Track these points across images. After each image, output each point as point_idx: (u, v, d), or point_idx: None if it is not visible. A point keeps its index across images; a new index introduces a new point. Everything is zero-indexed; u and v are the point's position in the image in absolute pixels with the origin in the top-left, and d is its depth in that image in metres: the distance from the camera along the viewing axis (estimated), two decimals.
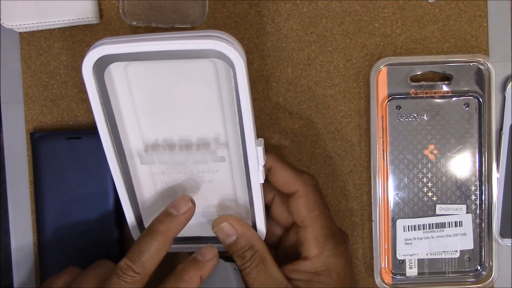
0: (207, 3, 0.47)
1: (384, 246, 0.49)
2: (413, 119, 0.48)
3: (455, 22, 0.48)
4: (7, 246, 0.50)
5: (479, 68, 0.48)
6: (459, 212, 0.49)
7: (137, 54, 0.36)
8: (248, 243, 0.41)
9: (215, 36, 0.36)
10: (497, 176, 0.48)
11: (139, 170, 0.43)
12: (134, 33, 0.49)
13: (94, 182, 0.47)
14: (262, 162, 0.40)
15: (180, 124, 0.41)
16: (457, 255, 0.49)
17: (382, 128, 0.48)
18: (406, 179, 0.48)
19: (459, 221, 0.49)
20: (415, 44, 0.49)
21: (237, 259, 0.42)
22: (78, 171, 0.47)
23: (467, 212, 0.49)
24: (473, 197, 0.49)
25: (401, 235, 0.49)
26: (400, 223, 0.49)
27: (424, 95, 0.48)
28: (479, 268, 0.49)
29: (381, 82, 0.48)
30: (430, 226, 0.48)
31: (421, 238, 0.49)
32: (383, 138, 0.48)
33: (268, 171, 0.42)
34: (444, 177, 0.48)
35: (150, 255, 0.39)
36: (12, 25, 0.46)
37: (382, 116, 0.48)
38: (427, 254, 0.49)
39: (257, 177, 0.40)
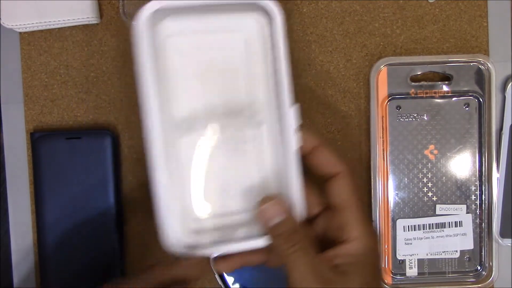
0: None
1: (384, 246, 0.49)
2: (413, 119, 0.48)
3: (455, 22, 0.48)
4: (7, 246, 0.50)
5: (479, 68, 0.48)
6: (459, 212, 0.49)
7: (187, 8, 0.38)
8: (294, 226, 0.39)
9: None
10: (497, 176, 0.48)
11: (178, 139, 0.41)
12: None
13: (94, 182, 0.47)
14: (297, 123, 0.39)
15: (219, 89, 0.41)
16: (457, 255, 0.49)
17: (382, 128, 0.48)
18: (406, 179, 0.48)
19: (459, 221, 0.49)
20: (415, 44, 0.49)
21: (280, 243, 0.39)
22: (78, 171, 0.47)
23: (467, 212, 0.49)
24: (473, 197, 0.49)
25: (401, 235, 0.49)
26: (400, 223, 0.49)
27: (424, 95, 0.48)
28: (479, 268, 0.49)
29: (381, 82, 0.48)
30: (430, 226, 0.48)
31: (421, 238, 0.49)
32: (383, 138, 0.48)
33: (311, 150, 0.41)
34: (444, 177, 0.48)
35: None
36: (12, 25, 0.46)
37: (382, 116, 0.48)
38: (427, 254, 0.49)
39: (294, 142, 0.39)
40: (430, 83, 0.48)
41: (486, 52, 0.49)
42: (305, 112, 0.49)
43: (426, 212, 0.48)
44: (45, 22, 0.47)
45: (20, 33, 0.48)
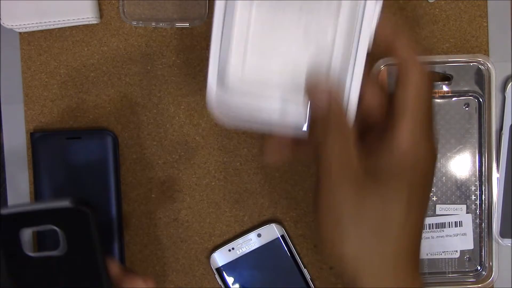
0: (207, 3, 0.47)
1: None
2: None
3: (455, 22, 0.48)
4: None
5: (479, 68, 0.48)
6: (459, 212, 0.49)
7: None
8: (340, 111, 0.36)
9: None
10: (497, 176, 0.48)
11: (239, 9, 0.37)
12: (134, 33, 0.49)
13: (94, 182, 0.47)
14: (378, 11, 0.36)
15: None
16: (457, 255, 0.49)
17: None
18: None
19: (459, 221, 0.49)
20: (415, 44, 0.48)
21: (322, 126, 0.36)
22: (78, 171, 0.47)
23: (467, 212, 0.49)
24: (473, 197, 0.49)
25: None
26: None
27: None
28: (479, 268, 0.49)
29: (381, 82, 0.48)
30: (430, 226, 0.48)
31: (421, 238, 0.48)
32: None
33: (390, 35, 0.37)
34: (444, 177, 0.48)
35: None
36: (12, 25, 0.46)
37: None
38: (427, 254, 0.49)
39: (370, 29, 0.36)
40: None
41: (486, 52, 0.49)
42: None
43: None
44: (45, 22, 0.47)
45: (20, 33, 0.48)
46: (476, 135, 0.48)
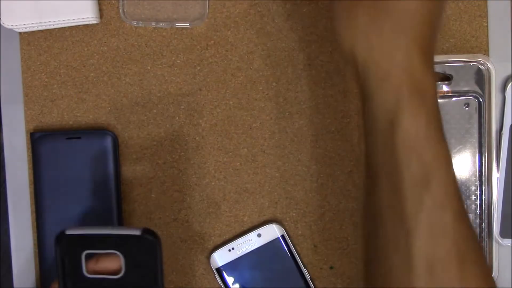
0: (207, 3, 0.47)
1: None
2: None
3: (455, 22, 0.48)
4: (7, 246, 0.50)
5: (479, 68, 0.48)
6: None
7: None
8: None
9: None
10: (497, 176, 0.48)
11: None
12: (134, 33, 0.49)
13: (94, 182, 0.47)
14: None
15: None
16: None
17: None
18: None
19: None
20: None
21: None
22: (78, 171, 0.47)
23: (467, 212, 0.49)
24: (473, 197, 0.49)
25: None
26: None
27: None
28: None
29: None
30: None
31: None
32: None
33: None
34: None
35: None
36: (12, 25, 0.46)
37: None
38: None
39: None
40: None
41: (486, 52, 0.49)
42: (305, 112, 0.49)
43: None
44: (45, 22, 0.47)
45: (20, 33, 0.48)
46: (476, 135, 0.48)
